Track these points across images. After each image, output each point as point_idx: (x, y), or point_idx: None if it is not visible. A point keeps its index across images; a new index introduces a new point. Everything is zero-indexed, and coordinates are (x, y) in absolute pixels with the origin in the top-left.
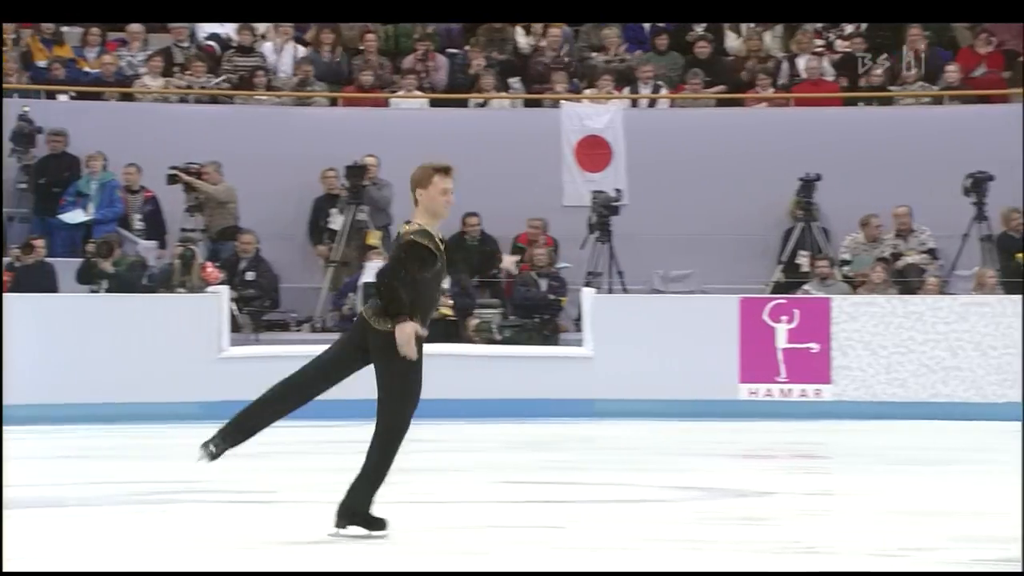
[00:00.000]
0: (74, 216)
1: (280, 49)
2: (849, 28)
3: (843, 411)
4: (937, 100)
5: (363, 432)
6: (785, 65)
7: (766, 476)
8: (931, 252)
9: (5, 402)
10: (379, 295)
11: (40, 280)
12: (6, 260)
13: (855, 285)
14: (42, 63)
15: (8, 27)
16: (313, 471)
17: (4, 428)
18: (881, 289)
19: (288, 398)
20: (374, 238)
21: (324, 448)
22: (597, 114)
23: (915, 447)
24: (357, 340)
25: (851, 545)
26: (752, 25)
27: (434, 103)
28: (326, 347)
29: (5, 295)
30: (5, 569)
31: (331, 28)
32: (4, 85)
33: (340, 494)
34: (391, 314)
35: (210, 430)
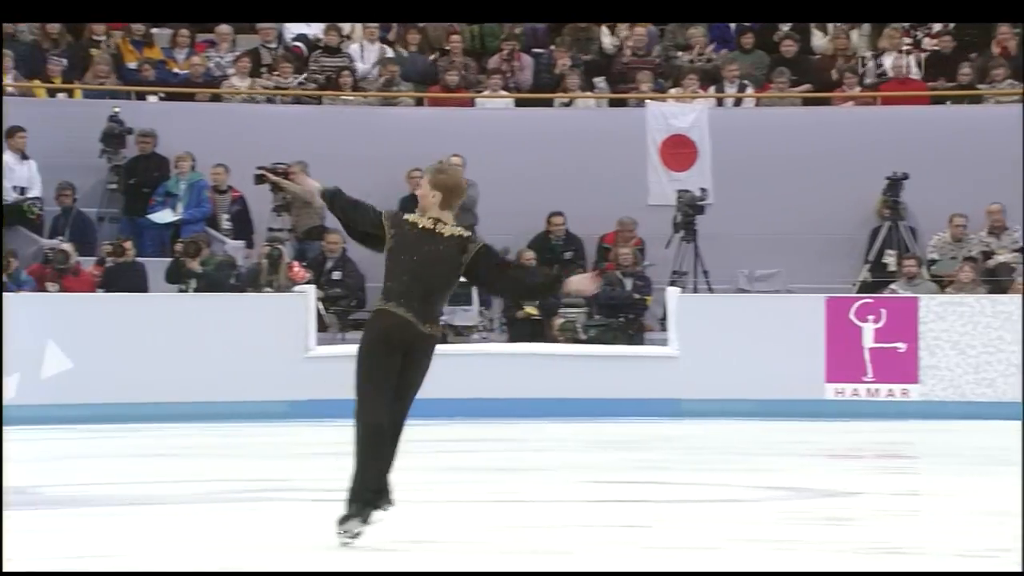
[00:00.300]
0: (163, 216)
1: (366, 50)
2: (937, 26)
3: (931, 411)
4: None
5: (442, 431)
6: (872, 63)
7: (852, 476)
8: (1022, 251)
9: (92, 401)
10: (538, 291)
11: (131, 280)
12: (96, 258)
13: (943, 284)
14: (132, 64)
15: (98, 28)
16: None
17: (93, 426)
18: (969, 288)
19: (386, 442)
20: None
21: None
22: (682, 113)
23: (1003, 448)
24: (398, 347)
25: (937, 546)
26: (839, 24)
27: (519, 103)
28: (371, 379)
29: (96, 294)
30: (5, 569)
31: (417, 29)
32: (95, 86)
33: (425, 491)
34: (553, 290)
35: (296, 429)
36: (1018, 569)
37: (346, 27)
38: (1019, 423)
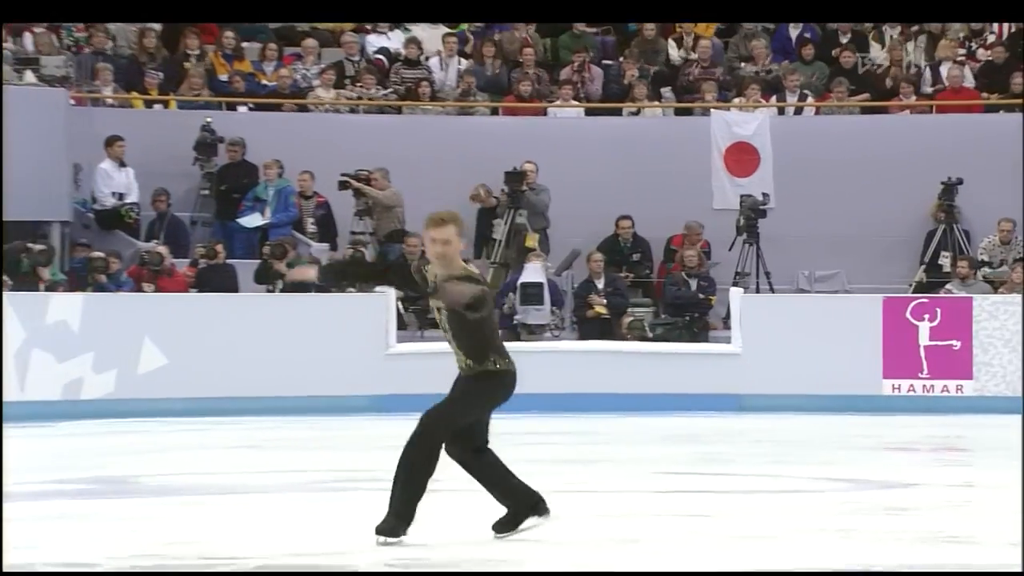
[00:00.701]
0: (252, 220)
1: (444, 62)
2: (991, 38)
3: (984, 406)
4: None
5: (516, 425)
6: (927, 73)
7: (909, 468)
8: None
9: (186, 395)
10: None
11: (221, 280)
12: (189, 260)
13: (996, 285)
14: (223, 77)
15: (192, 43)
16: None
17: (187, 419)
18: (1021, 289)
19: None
20: (532, 240)
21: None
22: (745, 121)
23: None
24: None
25: (990, 536)
26: (895, 35)
27: (589, 112)
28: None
29: (189, 294)
30: (5, 569)
31: (492, 41)
32: (188, 98)
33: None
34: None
35: (378, 422)
36: (1018, 569)
37: (425, 40)
38: None
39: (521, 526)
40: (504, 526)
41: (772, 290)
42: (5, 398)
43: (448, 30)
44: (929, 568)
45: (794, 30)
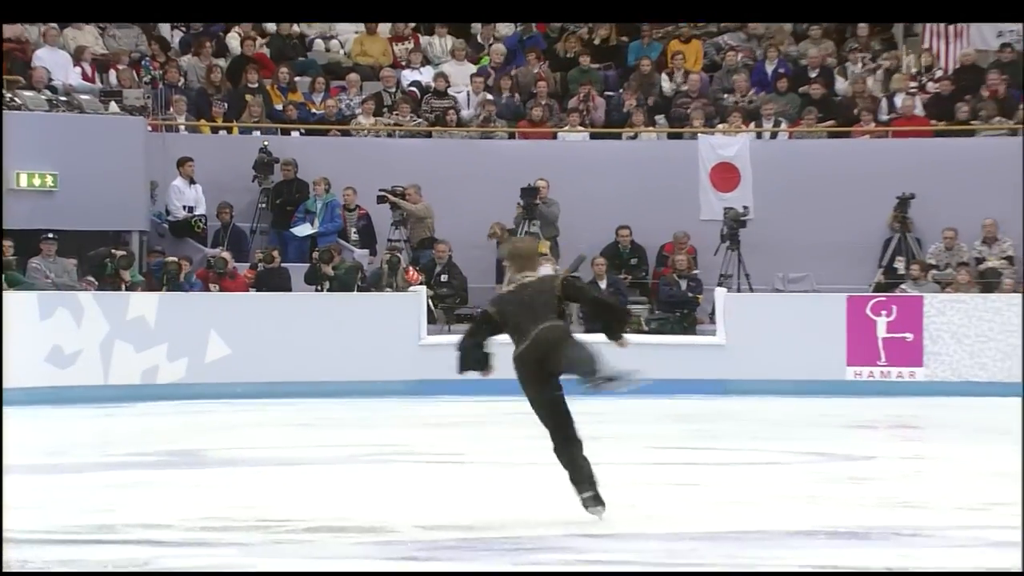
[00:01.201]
0: (303, 230)
1: (468, 93)
2: (939, 73)
3: (933, 390)
4: (1012, 132)
5: (524, 405)
6: (885, 103)
7: (869, 443)
8: (1009, 259)
9: (247, 380)
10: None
11: (277, 281)
12: (249, 264)
13: (943, 285)
14: (279, 106)
15: (252, 77)
16: (493, 439)
17: (248, 401)
18: (965, 288)
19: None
20: (544, 247)
21: (508, 419)
22: (728, 144)
23: (995, 420)
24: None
25: (940, 501)
26: (857, 70)
27: (594, 136)
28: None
29: (249, 293)
30: (4, 569)
31: (509, 76)
32: (249, 124)
33: (519, 455)
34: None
35: (412, 403)
36: (1018, 569)
37: (452, 74)
38: (1009, 400)
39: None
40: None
41: (752, 290)
42: (91, 382)
43: (473, 67)
44: (887, 529)
45: (770, 65)
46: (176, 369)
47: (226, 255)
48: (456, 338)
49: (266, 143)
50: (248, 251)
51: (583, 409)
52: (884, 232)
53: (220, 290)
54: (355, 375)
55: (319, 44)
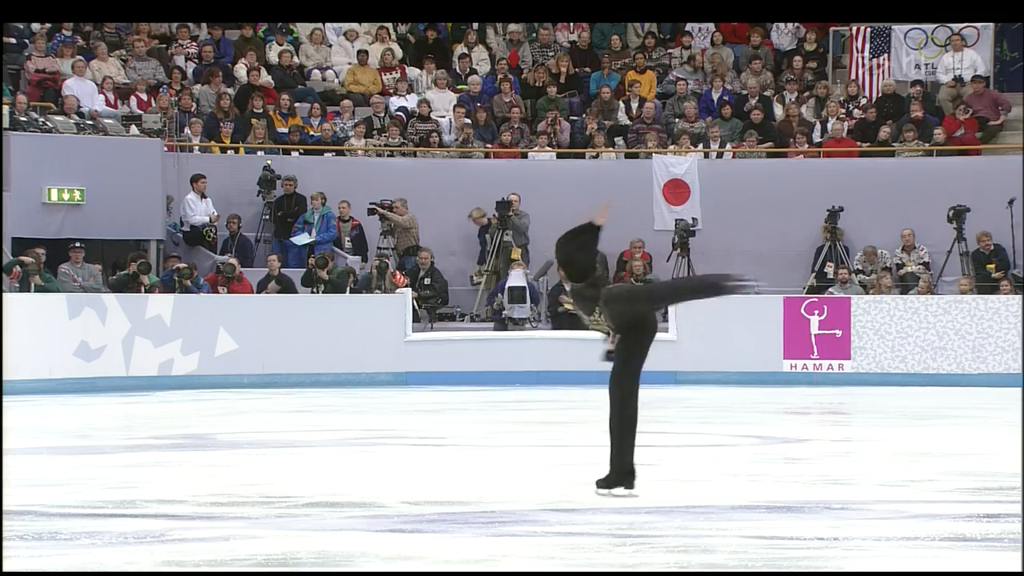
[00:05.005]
0: (301, 239)
1: (450, 119)
2: (863, 101)
3: (860, 380)
4: (928, 153)
5: (504, 395)
6: (817, 127)
7: (803, 427)
8: (925, 264)
9: (251, 372)
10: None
11: (280, 286)
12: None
13: (867, 288)
14: (281, 129)
15: (257, 104)
16: (472, 424)
17: (252, 390)
18: (887, 291)
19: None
20: (516, 254)
21: (482, 405)
22: (679, 163)
23: (914, 406)
24: None
25: (866, 478)
26: (792, 99)
27: (560, 156)
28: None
29: (254, 295)
30: (5, 569)
31: (484, 107)
32: (254, 145)
33: (494, 438)
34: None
35: (398, 393)
36: (1018, 569)
37: (434, 100)
38: (925, 389)
39: (612, 491)
40: (602, 484)
41: None
42: (114, 374)
43: (453, 96)
44: (819, 503)
45: (716, 94)
46: (189, 362)
47: (233, 261)
48: (437, 335)
49: (269, 162)
50: (253, 257)
51: (552, 397)
52: (816, 241)
53: (228, 292)
54: (348, 367)
55: (316, 74)
